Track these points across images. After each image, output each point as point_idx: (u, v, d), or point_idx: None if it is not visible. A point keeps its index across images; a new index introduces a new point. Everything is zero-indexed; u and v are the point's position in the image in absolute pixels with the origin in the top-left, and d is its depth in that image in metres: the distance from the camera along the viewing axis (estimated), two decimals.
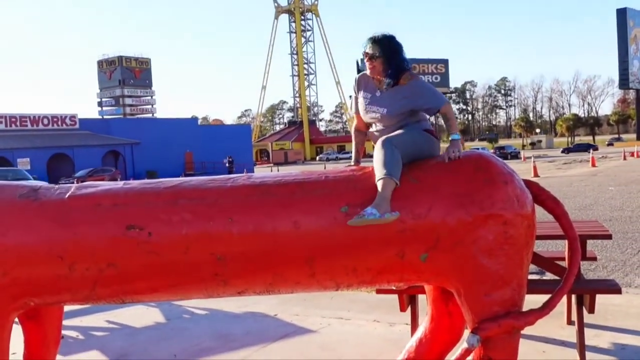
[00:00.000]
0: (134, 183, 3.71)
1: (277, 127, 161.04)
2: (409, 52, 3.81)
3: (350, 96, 4.00)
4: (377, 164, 3.43)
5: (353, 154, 3.93)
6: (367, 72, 3.74)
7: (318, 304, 6.38)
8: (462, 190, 3.36)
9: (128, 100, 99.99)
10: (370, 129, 3.84)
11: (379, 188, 3.33)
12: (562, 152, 67.44)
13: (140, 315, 6.45)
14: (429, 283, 3.74)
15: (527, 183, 3.57)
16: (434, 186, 3.39)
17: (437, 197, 3.35)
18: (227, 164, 54.58)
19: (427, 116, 3.83)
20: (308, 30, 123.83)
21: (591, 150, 48.00)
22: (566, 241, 3.66)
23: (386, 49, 3.67)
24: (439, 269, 3.40)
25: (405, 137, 3.57)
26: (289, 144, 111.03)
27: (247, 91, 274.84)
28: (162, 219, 3.40)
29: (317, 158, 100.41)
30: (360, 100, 3.81)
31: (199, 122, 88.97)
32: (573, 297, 4.74)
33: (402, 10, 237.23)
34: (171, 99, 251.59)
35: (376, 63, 3.67)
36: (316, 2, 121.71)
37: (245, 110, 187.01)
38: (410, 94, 3.65)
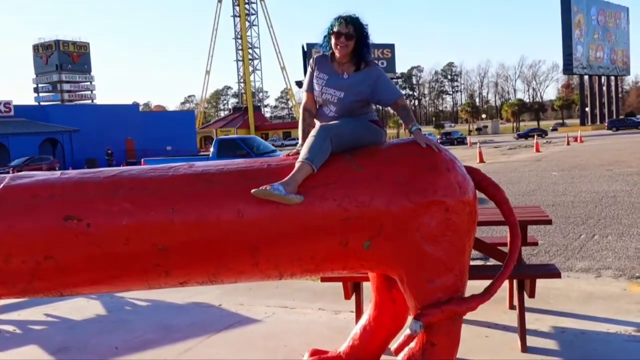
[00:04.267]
0: (72, 173, 3.62)
1: (222, 114, 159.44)
2: None
3: (307, 78, 3.86)
4: (305, 146, 3.46)
5: (300, 137, 3.77)
6: (337, 52, 3.67)
7: (263, 294, 6.36)
8: (404, 177, 3.38)
9: (66, 86, 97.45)
10: (322, 109, 3.80)
11: (295, 169, 3.35)
12: (517, 137, 68.97)
13: (81, 307, 6.31)
14: (373, 270, 3.76)
15: (469, 170, 3.62)
16: (377, 174, 3.40)
17: (380, 184, 3.36)
18: (106, 157, 50.99)
19: (374, 107, 3.84)
20: (252, 14, 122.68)
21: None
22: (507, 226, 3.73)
23: (360, 32, 3.65)
24: (383, 257, 3.41)
25: (344, 127, 3.58)
26: (234, 130, 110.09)
27: (191, 77, 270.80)
28: (102, 209, 3.33)
29: None
30: (316, 80, 3.77)
31: (141, 108, 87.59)
32: (514, 282, 4.84)
33: None
34: (111, 85, 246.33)
35: (349, 43, 3.63)
36: None
37: (189, 96, 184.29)
38: (368, 81, 3.67)
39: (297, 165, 3.37)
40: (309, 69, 3.86)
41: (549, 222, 4.85)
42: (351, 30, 3.63)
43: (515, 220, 3.64)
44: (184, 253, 3.33)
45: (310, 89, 3.82)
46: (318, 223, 3.31)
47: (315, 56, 3.85)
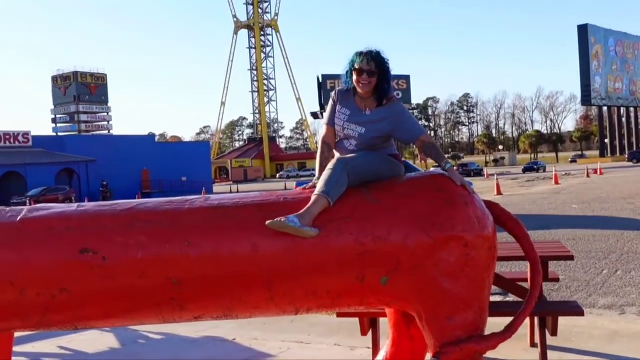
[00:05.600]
0: (88, 205, 3.62)
1: (237, 144, 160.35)
2: None
3: (325, 110, 3.85)
4: (321, 179, 3.42)
5: (317, 170, 3.72)
6: (359, 88, 3.64)
7: (277, 328, 6.28)
8: (422, 211, 3.33)
9: (83, 117, 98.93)
10: (342, 142, 3.77)
11: (310, 201, 3.31)
12: (524, 171, 68.38)
13: (94, 340, 6.26)
14: (390, 306, 3.70)
15: (488, 204, 3.57)
16: (393, 207, 3.36)
17: (397, 218, 3.32)
18: (100, 189, 47.45)
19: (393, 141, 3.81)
20: (267, 46, 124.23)
21: (554, 168, 47.39)
22: (528, 262, 3.66)
23: (382, 67, 3.63)
24: (400, 292, 3.36)
25: (362, 160, 3.55)
26: (249, 161, 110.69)
27: (206, 107, 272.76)
28: (117, 242, 3.31)
29: (277, 175, 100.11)
30: (338, 114, 3.74)
31: (156, 138, 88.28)
32: (535, 319, 4.74)
33: (362, 25, 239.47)
34: (128, 115, 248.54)
35: (372, 79, 3.61)
36: (275, 17, 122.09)
37: (204, 127, 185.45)
38: (390, 117, 3.64)
39: (312, 198, 3.34)
40: (330, 102, 3.83)
41: (571, 257, 4.77)
42: (373, 66, 3.60)
43: (536, 256, 3.57)
44: (199, 287, 3.30)
45: (331, 122, 3.77)
46: (334, 257, 3.26)
47: (337, 89, 3.83)
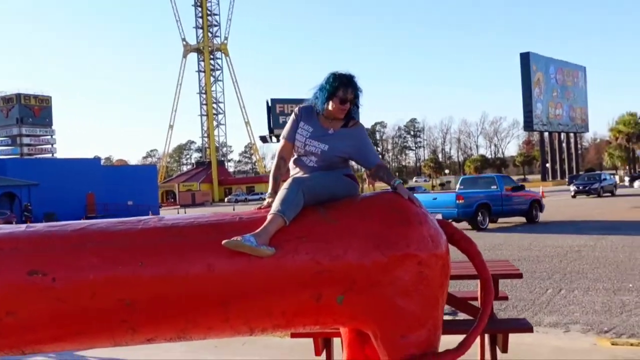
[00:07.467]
0: (38, 226, 3.52)
1: (185, 168, 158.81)
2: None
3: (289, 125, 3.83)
4: (277, 199, 3.42)
5: (270, 184, 3.72)
6: (336, 114, 3.68)
7: (230, 351, 6.19)
8: (377, 230, 3.36)
9: (26, 140, 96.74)
10: (302, 159, 3.76)
11: (266, 221, 3.31)
12: None
13: None
14: (345, 326, 3.70)
15: (441, 223, 3.62)
16: (350, 227, 3.38)
17: (353, 238, 3.34)
18: (25, 213, 44.46)
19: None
20: (217, 70, 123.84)
21: None
22: (478, 281, 3.71)
23: (358, 93, 3.70)
24: (356, 311, 3.37)
25: (317, 180, 3.56)
26: (197, 185, 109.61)
27: (154, 131, 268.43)
28: (68, 263, 3.23)
29: (226, 199, 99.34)
30: (300, 130, 3.73)
31: (102, 162, 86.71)
32: (486, 336, 4.80)
33: (310, 50, 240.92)
34: (73, 139, 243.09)
35: (349, 106, 3.67)
36: (225, 42, 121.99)
37: (151, 151, 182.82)
38: (354, 140, 3.70)
39: (269, 217, 3.33)
40: (292, 117, 3.82)
41: (520, 275, 4.87)
42: (353, 95, 3.67)
43: (488, 275, 3.63)
44: (152, 308, 3.23)
45: (291, 138, 3.77)
46: (290, 277, 3.26)
47: (300, 106, 3.84)
